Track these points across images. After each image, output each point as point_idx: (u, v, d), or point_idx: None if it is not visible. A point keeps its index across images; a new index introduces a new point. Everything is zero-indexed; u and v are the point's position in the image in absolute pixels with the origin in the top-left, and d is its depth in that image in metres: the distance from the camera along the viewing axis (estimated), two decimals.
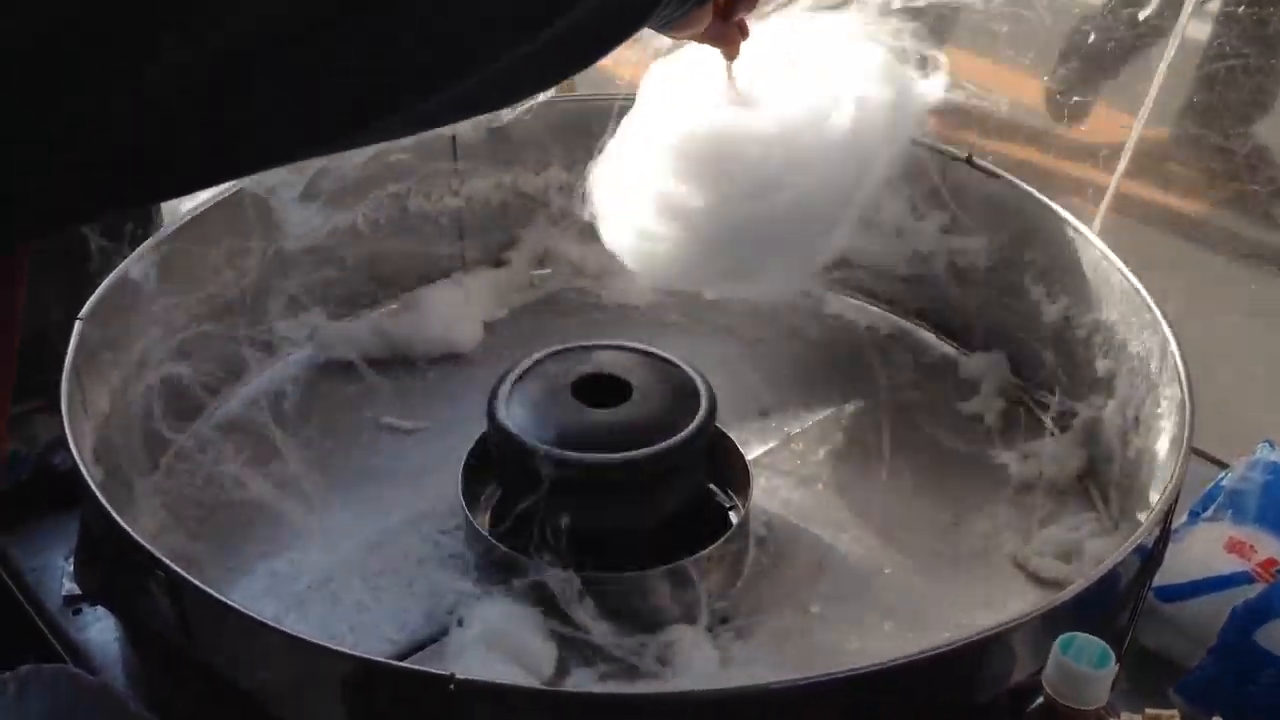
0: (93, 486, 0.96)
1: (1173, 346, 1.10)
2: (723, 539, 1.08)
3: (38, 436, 1.20)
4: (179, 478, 1.21)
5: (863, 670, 0.84)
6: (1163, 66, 1.39)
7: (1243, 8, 1.56)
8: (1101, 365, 1.23)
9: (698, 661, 1.02)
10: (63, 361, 1.06)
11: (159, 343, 1.21)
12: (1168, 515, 0.98)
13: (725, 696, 0.88)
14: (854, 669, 0.84)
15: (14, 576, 1.15)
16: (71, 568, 1.09)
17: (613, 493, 1.07)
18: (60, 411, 1.02)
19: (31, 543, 1.17)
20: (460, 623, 1.05)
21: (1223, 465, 1.19)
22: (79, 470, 0.98)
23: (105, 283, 1.14)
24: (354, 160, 1.35)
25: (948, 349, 1.40)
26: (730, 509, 1.17)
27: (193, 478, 1.21)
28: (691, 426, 1.08)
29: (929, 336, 1.42)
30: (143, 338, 1.19)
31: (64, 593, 1.12)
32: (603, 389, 1.11)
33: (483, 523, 1.13)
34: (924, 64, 1.21)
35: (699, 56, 1.17)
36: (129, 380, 1.16)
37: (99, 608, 1.09)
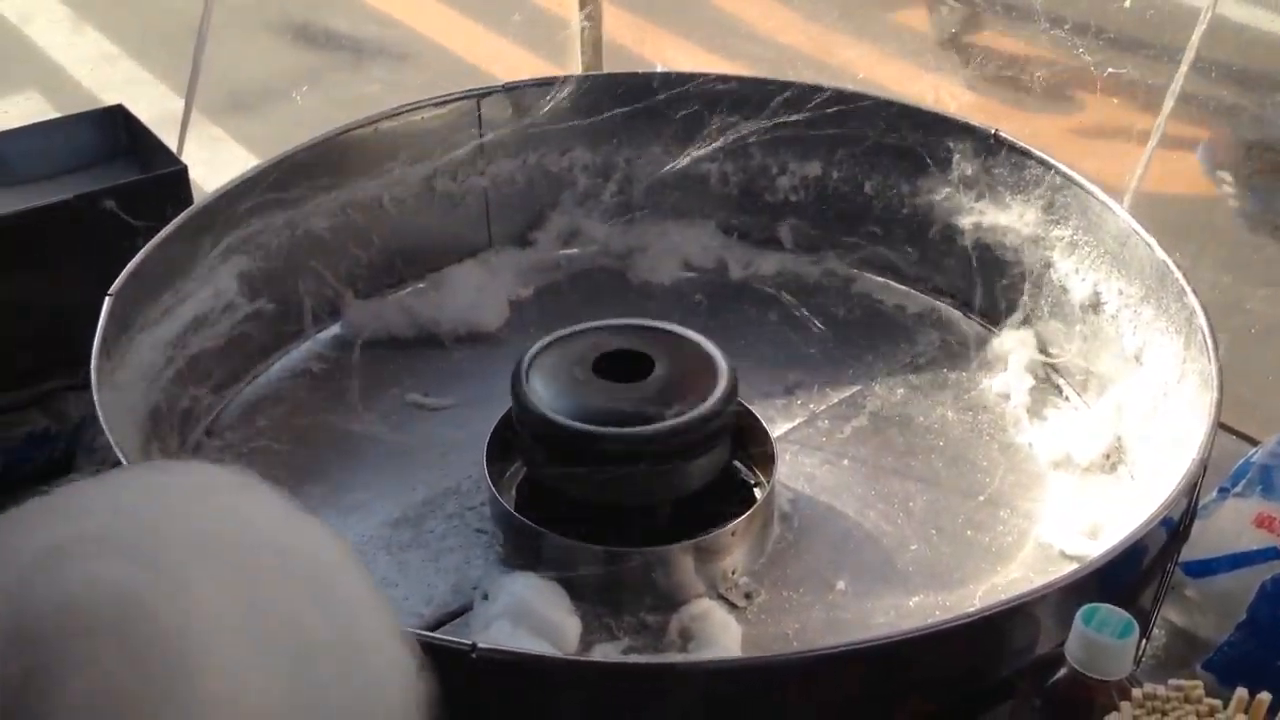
0: (124, 462, 0.97)
1: (1201, 320, 1.09)
2: (747, 514, 1.08)
3: (68, 414, 1.21)
4: (207, 455, 1.22)
5: (884, 640, 0.84)
6: (1194, 39, 1.37)
7: None
8: (1130, 341, 1.22)
9: (721, 636, 1.03)
10: (92, 338, 1.07)
11: (188, 320, 1.22)
12: (1194, 487, 0.97)
13: (746, 666, 0.88)
14: (875, 639, 0.84)
15: None
16: None
17: (636, 467, 1.07)
18: (90, 388, 1.04)
19: None
20: (485, 597, 1.06)
21: (1254, 442, 1.18)
22: (110, 447, 0.99)
23: (135, 260, 1.15)
24: (379, 139, 1.36)
25: (975, 326, 1.39)
26: (755, 485, 1.17)
27: (221, 455, 1.23)
28: (712, 401, 1.08)
29: (956, 314, 1.41)
30: (172, 315, 1.20)
31: None
32: (626, 365, 1.11)
33: (508, 499, 1.14)
34: None
35: None
36: (158, 357, 1.17)
37: None
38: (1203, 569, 1.06)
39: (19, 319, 1.23)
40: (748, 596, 1.08)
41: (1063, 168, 1.28)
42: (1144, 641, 1.01)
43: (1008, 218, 1.33)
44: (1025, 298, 1.34)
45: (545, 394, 1.09)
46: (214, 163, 2.40)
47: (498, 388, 1.16)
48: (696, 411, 1.06)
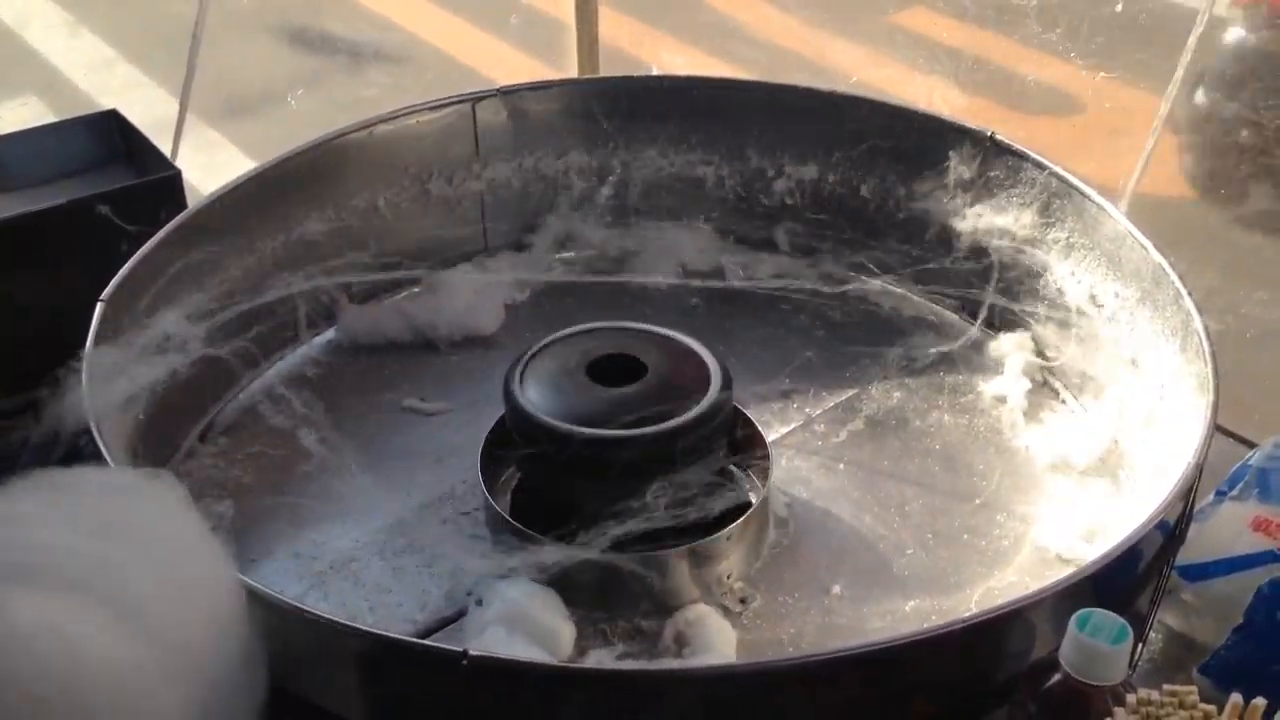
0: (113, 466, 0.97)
1: (1197, 324, 1.08)
2: (742, 519, 1.08)
3: (62, 419, 1.21)
4: (201, 460, 1.22)
5: (880, 646, 0.84)
6: (1191, 41, 1.36)
7: None
8: (1127, 344, 1.22)
9: (717, 641, 1.02)
10: (84, 343, 1.07)
11: (181, 325, 1.21)
12: (1190, 490, 0.96)
13: (740, 672, 0.88)
14: (871, 644, 0.84)
15: None
16: None
17: (630, 471, 1.06)
18: (83, 394, 1.03)
19: None
20: (479, 603, 1.05)
21: (1251, 445, 1.18)
22: (101, 453, 0.98)
23: (128, 265, 1.15)
24: (375, 143, 1.36)
25: (971, 329, 1.38)
26: (750, 490, 1.16)
27: (215, 460, 1.22)
28: (705, 404, 1.07)
29: (952, 317, 1.41)
30: (165, 320, 1.19)
31: None
32: (618, 369, 1.11)
33: (503, 504, 1.13)
34: None
35: None
36: (151, 363, 1.17)
37: None
38: (1199, 573, 1.06)
39: (16, 323, 1.23)
40: (743, 601, 1.08)
41: (1059, 170, 1.28)
42: (1140, 646, 1.01)
43: (1004, 220, 1.33)
44: (1022, 300, 1.33)
45: (538, 398, 1.09)
46: (211, 165, 2.41)
47: (493, 392, 1.15)
48: (690, 415, 1.06)
